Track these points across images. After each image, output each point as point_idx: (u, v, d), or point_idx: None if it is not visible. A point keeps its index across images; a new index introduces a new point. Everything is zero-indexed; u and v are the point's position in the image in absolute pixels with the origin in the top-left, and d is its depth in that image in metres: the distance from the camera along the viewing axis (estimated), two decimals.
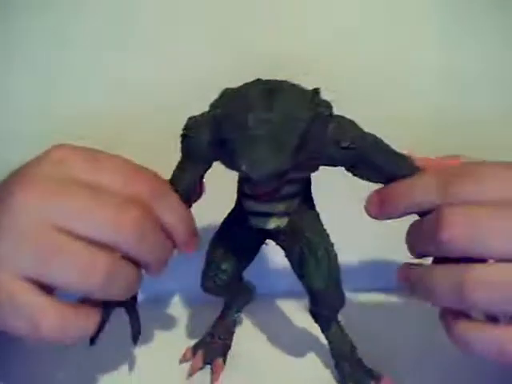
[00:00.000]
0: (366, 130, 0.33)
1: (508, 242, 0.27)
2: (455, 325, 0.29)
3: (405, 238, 0.33)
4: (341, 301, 0.37)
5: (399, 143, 0.34)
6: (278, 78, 0.33)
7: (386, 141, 0.34)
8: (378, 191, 0.34)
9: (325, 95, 0.32)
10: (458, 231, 0.28)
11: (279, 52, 0.44)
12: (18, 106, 0.46)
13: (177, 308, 0.48)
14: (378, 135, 0.33)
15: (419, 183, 0.31)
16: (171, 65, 0.46)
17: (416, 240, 0.32)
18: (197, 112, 0.33)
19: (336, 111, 0.32)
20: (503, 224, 0.27)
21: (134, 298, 0.37)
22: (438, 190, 0.30)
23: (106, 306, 0.36)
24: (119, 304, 0.36)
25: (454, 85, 0.46)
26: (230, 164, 0.32)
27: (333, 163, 0.33)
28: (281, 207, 0.35)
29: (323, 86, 0.33)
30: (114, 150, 0.46)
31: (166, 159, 0.34)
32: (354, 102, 0.43)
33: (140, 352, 0.38)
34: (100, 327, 0.37)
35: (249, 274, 0.40)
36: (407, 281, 0.32)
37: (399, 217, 0.33)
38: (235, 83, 0.33)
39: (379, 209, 0.34)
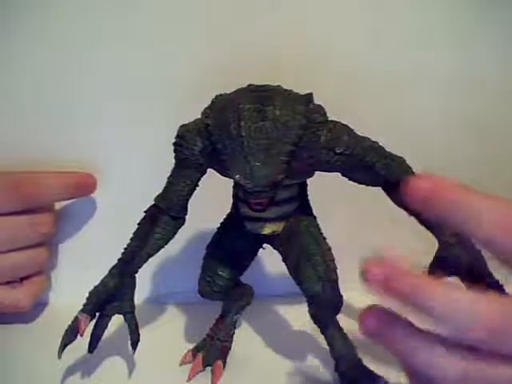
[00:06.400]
0: (367, 131, 0.33)
1: None
2: None
3: None
4: (338, 303, 0.37)
5: (400, 145, 0.34)
6: (274, 80, 0.33)
7: (387, 143, 0.33)
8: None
9: (323, 97, 0.32)
10: None
11: (279, 51, 0.43)
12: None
13: (176, 310, 0.48)
14: (380, 137, 0.33)
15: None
16: (171, 64, 0.45)
17: None
18: (195, 112, 0.33)
19: (337, 113, 0.32)
20: None
21: (132, 305, 0.37)
22: None
23: (104, 314, 0.36)
24: (118, 312, 0.36)
25: (459, 85, 0.46)
26: (224, 172, 0.32)
27: (328, 169, 0.33)
28: (277, 212, 0.35)
29: (323, 88, 0.32)
30: (116, 151, 0.47)
31: (166, 159, 0.34)
32: (354, 103, 0.43)
33: (140, 355, 0.38)
34: (98, 335, 0.37)
35: (247, 276, 0.40)
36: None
37: None
38: (234, 83, 0.32)
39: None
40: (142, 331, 0.37)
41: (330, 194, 0.42)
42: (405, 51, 0.45)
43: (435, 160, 0.44)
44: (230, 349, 0.41)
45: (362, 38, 0.45)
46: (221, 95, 0.32)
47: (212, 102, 0.32)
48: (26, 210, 0.44)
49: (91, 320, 0.36)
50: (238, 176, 0.29)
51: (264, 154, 0.29)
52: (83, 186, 0.47)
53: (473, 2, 0.44)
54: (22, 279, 0.46)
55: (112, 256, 0.36)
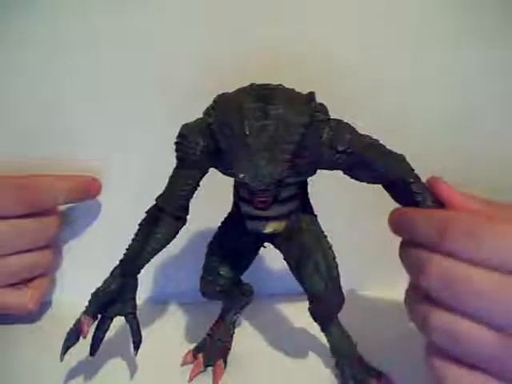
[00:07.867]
0: (367, 129, 0.33)
1: (477, 302, 0.28)
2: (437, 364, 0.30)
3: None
4: (340, 302, 0.37)
5: (400, 144, 0.34)
6: (274, 79, 0.33)
7: (387, 142, 0.33)
8: (395, 211, 0.34)
9: (323, 96, 0.32)
10: (434, 282, 0.29)
11: (279, 51, 0.44)
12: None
13: (177, 310, 0.48)
14: (379, 136, 0.33)
15: (425, 219, 0.31)
16: (171, 64, 0.45)
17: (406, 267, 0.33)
18: (195, 112, 0.33)
19: (337, 112, 0.32)
20: (475, 287, 0.28)
21: (134, 306, 0.37)
22: (438, 233, 0.30)
23: (106, 316, 0.36)
24: (119, 313, 0.36)
25: (458, 85, 0.46)
26: (227, 172, 0.32)
27: (330, 167, 0.33)
28: (279, 211, 0.35)
29: (323, 87, 0.32)
30: (115, 151, 0.47)
31: (166, 160, 0.34)
32: (354, 103, 0.43)
33: (141, 356, 0.38)
34: (100, 337, 0.37)
35: (247, 275, 0.40)
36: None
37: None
38: (234, 83, 0.32)
39: (394, 227, 0.34)
40: (143, 332, 0.37)
41: (330, 192, 0.42)
42: (405, 51, 0.45)
43: (435, 159, 0.44)
44: (230, 348, 0.41)
45: (362, 38, 0.45)
46: (223, 94, 0.32)
47: (214, 101, 0.32)
48: (32, 213, 0.44)
49: (93, 322, 0.36)
50: (242, 175, 0.29)
51: (268, 153, 0.29)
52: (88, 190, 0.47)
53: (472, 2, 0.45)
54: (27, 281, 0.46)
55: (114, 256, 0.35)
